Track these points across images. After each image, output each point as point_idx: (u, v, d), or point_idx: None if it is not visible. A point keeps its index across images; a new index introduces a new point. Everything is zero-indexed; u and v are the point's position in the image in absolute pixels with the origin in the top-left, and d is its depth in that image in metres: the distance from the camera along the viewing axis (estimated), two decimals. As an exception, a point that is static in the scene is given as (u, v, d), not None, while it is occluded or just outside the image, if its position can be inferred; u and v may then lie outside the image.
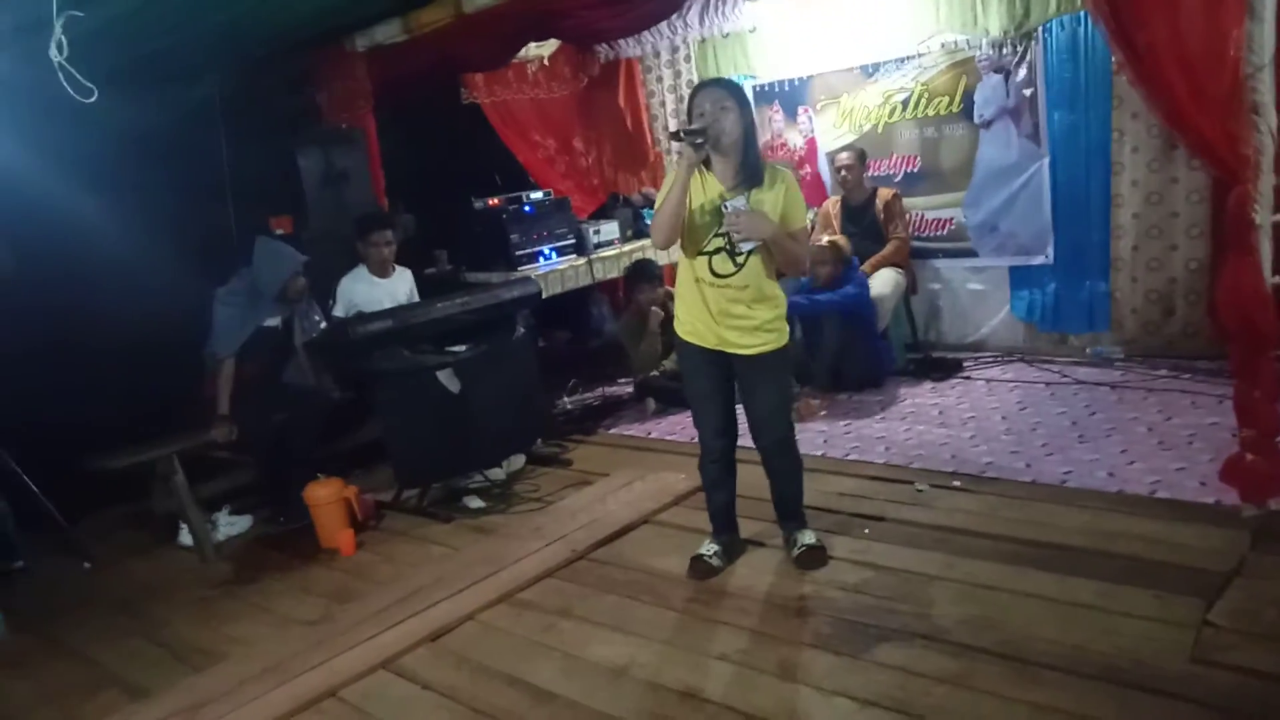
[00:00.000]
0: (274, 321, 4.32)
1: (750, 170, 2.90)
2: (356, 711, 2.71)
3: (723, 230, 2.88)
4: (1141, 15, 2.74)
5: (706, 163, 2.92)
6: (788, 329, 3.10)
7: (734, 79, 6.15)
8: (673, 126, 6.61)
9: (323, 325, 4.47)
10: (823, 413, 4.77)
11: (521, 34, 4.93)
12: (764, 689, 2.52)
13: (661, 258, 5.63)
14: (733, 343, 3.00)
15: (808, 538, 3.22)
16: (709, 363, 3.05)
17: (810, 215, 5.64)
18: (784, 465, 3.21)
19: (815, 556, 3.16)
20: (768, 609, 2.95)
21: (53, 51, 2.81)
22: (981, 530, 3.23)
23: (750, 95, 6.21)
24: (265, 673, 2.96)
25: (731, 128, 2.84)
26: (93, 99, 2.88)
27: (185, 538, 4.20)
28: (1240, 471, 2.97)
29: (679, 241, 2.99)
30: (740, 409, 3.18)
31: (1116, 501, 3.31)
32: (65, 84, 2.89)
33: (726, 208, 2.81)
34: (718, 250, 2.93)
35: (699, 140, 2.79)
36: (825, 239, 5.19)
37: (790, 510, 3.28)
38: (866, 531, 3.37)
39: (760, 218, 2.83)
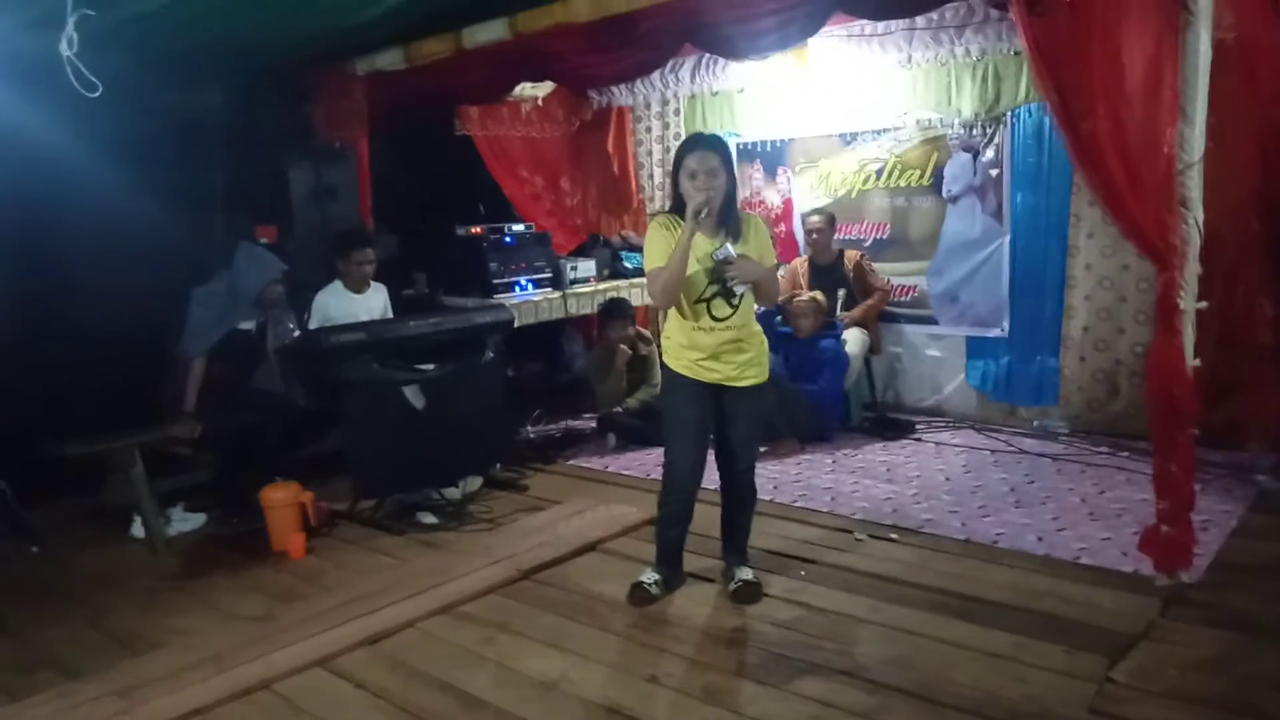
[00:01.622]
0: (248, 325, 4.41)
1: (733, 225, 3.11)
2: (288, 704, 2.77)
3: (717, 280, 3.06)
4: (1087, 104, 2.95)
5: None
6: (769, 367, 3.28)
7: (719, 135, 6.49)
8: (658, 177, 6.85)
9: (296, 333, 4.56)
10: (793, 453, 4.98)
11: (516, 72, 5.12)
12: (688, 711, 2.62)
13: (635, 297, 5.79)
14: (730, 376, 3.17)
15: (746, 573, 3.34)
16: (700, 396, 3.19)
17: (780, 272, 5.89)
18: (748, 494, 3.37)
19: (751, 592, 3.27)
20: (700, 638, 3.05)
21: (63, 46, 2.95)
22: (911, 580, 3.36)
23: (734, 152, 6.48)
24: (203, 662, 3.01)
25: (721, 188, 3.02)
26: (97, 94, 3.01)
27: (137, 530, 4.23)
28: (1155, 542, 3.12)
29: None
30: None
31: (1042, 563, 3.45)
32: (72, 78, 3.02)
33: (718, 257, 3.01)
34: (714, 297, 3.11)
35: (702, 209, 2.97)
36: (807, 295, 5.38)
37: (738, 543, 3.41)
38: (803, 573, 3.49)
39: (752, 262, 3.05)
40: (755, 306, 3.24)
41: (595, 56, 4.52)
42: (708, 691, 2.71)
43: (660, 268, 3.07)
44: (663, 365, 3.34)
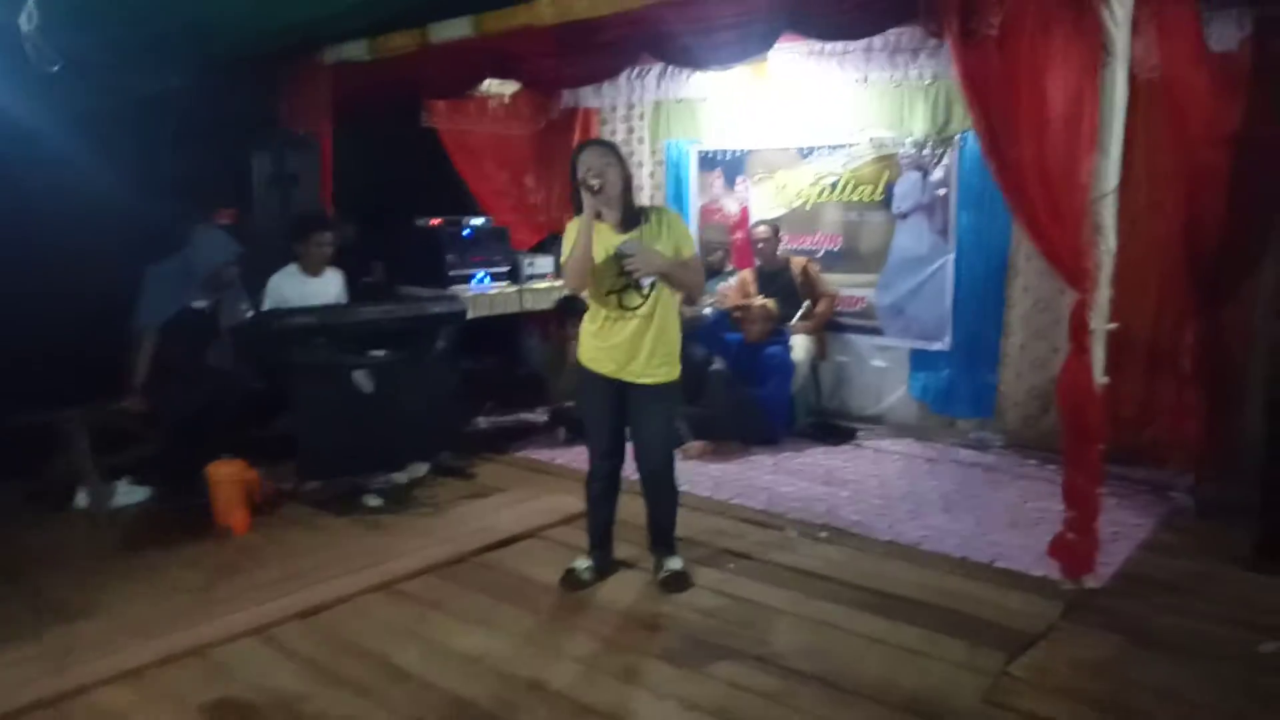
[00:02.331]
0: (201, 304, 4.47)
1: (631, 215, 3.27)
2: (218, 669, 2.86)
3: (625, 270, 3.18)
4: (1012, 135, 3.13)
5: (598, 214, 3.22)
6: (679, 367, 3.38)
7: (680, 142, 6.65)
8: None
9: (249, 314, 4.62)
10: (707, 455, 5.09)
11: (480, 69, 5.22)
12: (603, 687, 2.74)
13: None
14: (633, 372, 3.27)
15: (674, 564, 3.47)
16: (606, 389, 3.32)
17: (732, 280, 6.05)
18: (661, 493, 3.47)
19: (678, 581, 3.40)
20: (624, 621, 3.17)
21: (22, 20, 3.00)
22: (834, 576, 3.51)
23: (695, 159, 6.64)
24: (138, 628, 3.08)
25: (615, 179, 3.20)
26: (56, 68, 3.07)
27: (81, 500, 4.27)
28: (1063, 549, 3.30)
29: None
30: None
31: (958, 565, 3.62)
32: (30, 53, 3.07)
33: (622, 249, 3.14)
34: (625, 288, 3.24)
35: (596, 187, 3.14)
36: (759, 301, 5.52)
37: (662, 537, 3.52)
38: (731, 566, 3.62)
39: (652, 253, 3.17)
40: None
41: (556, 60, 4.64)
42: (625, 671, 2.83)
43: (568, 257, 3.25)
44: (574, 359, 3.48)
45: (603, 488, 3.46)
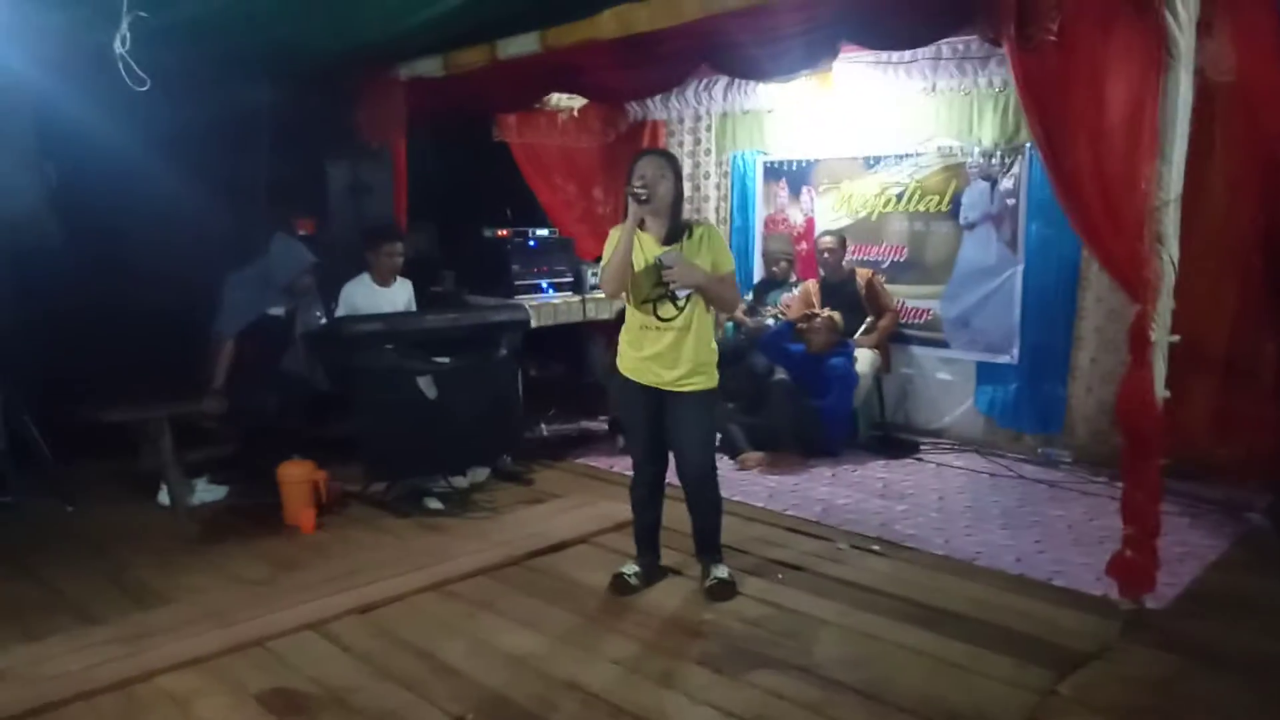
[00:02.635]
0: (278, 311, 4.68)
1: (676, 228, 3.30)
2: (277, 659, 2.99)
3: (663, 281, 3.23)
4: (1070, 141, 3.07)
5: (642, 224, 3.28)
6: (717, 375, 3.40)
7: (746, 152, 6.67)
8: (687, 190, 6.99)
9: (322, 321, 4.81)
10: (764, 466, 5.09)
11: (545, 83, 5.35)
12: (641, 690, 2.77)
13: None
14: (668, 380, 3.31)
15: (721, 571, 3.48)
16: (645, 398, 3.36)
17: (796, 290, 6.03)
18: (703, 500, 3.48)
19: (725, 589, 3.41)
20: (668, 627, 3.20)
21: (116, 44, 3.22)
22: (883, 589, 3.47)
23: (761, 170, 6.66)
24: (205, 618, 3.24)
25: (666, 193, 3.23)
26: (146, 88, 3.28)
27: (164, 497, 4.50)
28: (1121, 567, 3.20)
29: (626, 293, 3.33)
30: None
31: (1014, 582, 3.54)
32: (124, 74, 3.29)
33: (662, 260, 3.18)
34: (661, 298, 3.28)
35: (643, 197, 3.17)
36: (825, 313, 5.50)
37: (707, 544, 3.53)
38: (780, 576, 3.62)
39: (692, 266, 3.21)
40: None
41: (618, 72, 4.72)
42: (663, 675, 2.86)
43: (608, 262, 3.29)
44: (614, 368, 3.50)
45: (645, 494, 3.50)
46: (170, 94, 4.29)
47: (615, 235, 3.29)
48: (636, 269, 3.25)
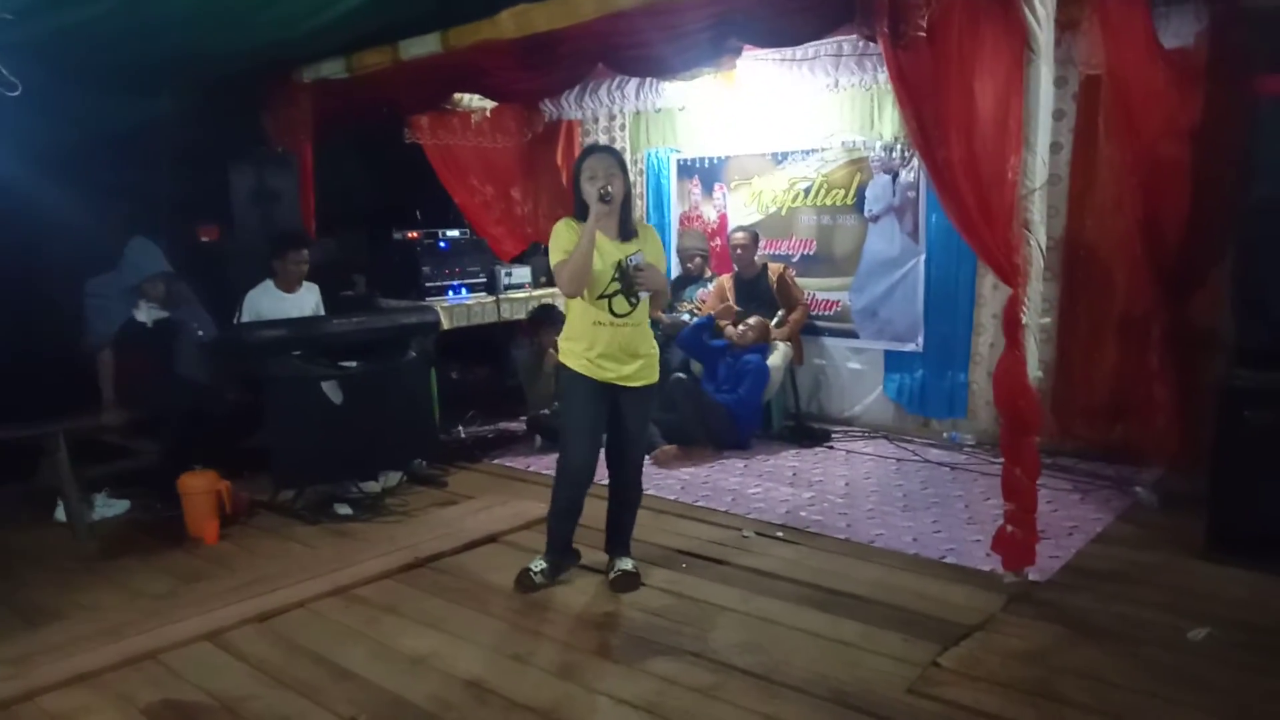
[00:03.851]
0: (143, 318, 4.58)
1: (628, 226, 3.37)
2: (169, 672, 2.95)
3: (626, 284, 3.28)
4: (942, 133, 3.17)
5: None
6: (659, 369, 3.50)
7: (659, 150, 6.73)
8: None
9: (200, 332, 4.72)
10: (677, 459, 5.17)
11: (449, 84, 5.34)
12: (540, 685, 2.80)
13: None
14: (626, 376, 3.35)
15: (626, 564, 3.53)
16: (600, 396, 3.37)
17: (710, 286, 6.11)
18: (634, 495, 3.58)
19: (629, 581, 3.46)
20: (571, 621, 3.24)
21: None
22: (784, 574, 3.55)
23: (675, 168, 6.73)
24: (98, 634, 3.18)
25: (618, 190, 3.27)
26: (16, 93, 3.19)
27: (60, 514, 4.39)
28: (1003, 542, 3.33)
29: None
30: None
31: (909, 562, 3.65)
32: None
33: (630, 263, 3.26)
34: (615, 294, 3.31)
35: (609, 198, 3.21)
36: (754, 319, 5.60)
37: (623, 539, 3.59)
38: (684, 566, 3.68)
39: (658, 272, 3.33)
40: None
41: (519, 73, 4.74)
42: (565, 669, 2.89)
43: (565, 260, 3.25)
44: (561, 365, 3.48)
45: (573, 500, 3.47)
46: (71, 100, 4.20)
47: (563, 233, 3.30)
48: (596, 268, 3.25)
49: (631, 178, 6.85)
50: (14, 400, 4.50)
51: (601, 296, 3.31)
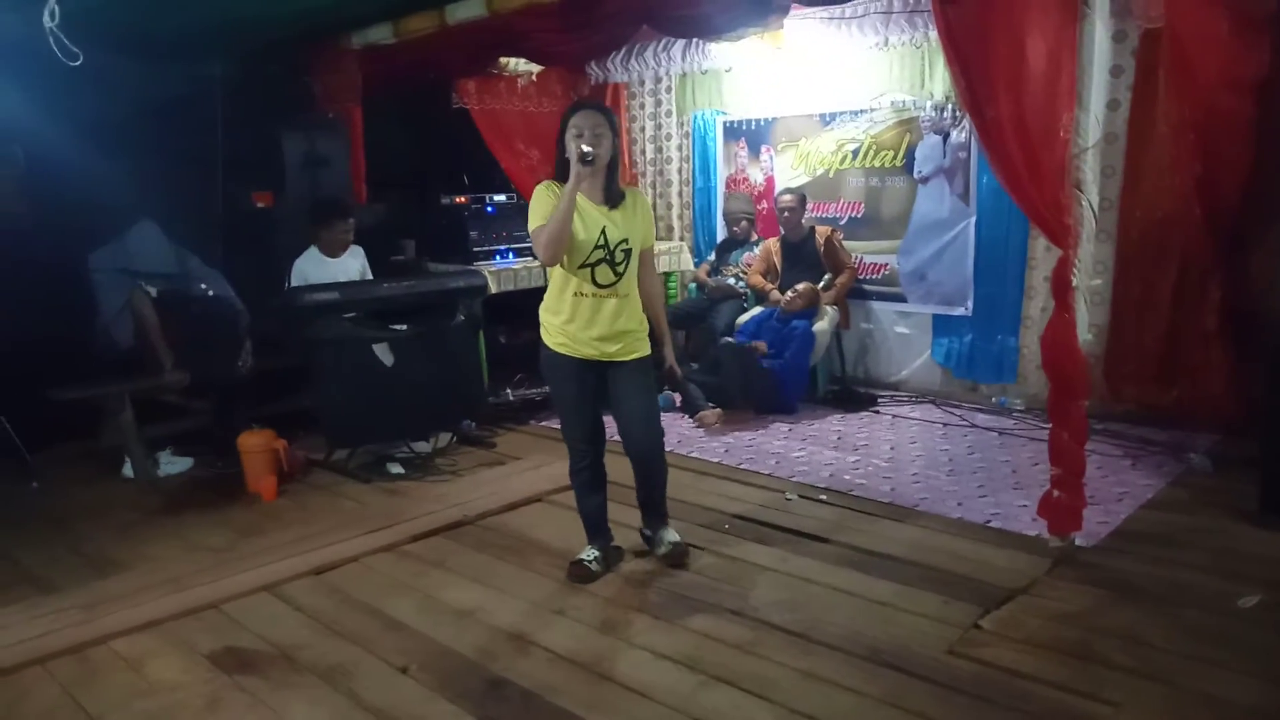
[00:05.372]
0: (150, 289, 4.69)
1: (614, 190, 3.13)
2: (230, 621, 3.08)
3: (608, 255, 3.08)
4: (991, 91, 3.10)
5: None
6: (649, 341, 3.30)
7: (705, 112, 6.68)
8: (649, 153, 7.03)
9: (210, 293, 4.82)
10: (720, 423, 5.18)
11: (495, 48, 5.37)
12: (582, 638, 2.87)
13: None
14: (609, 352, 3.15)
15: (673, 535, 3.41)
16: (581, 372, 3.17)
17: (756, 249, 6.09)
18: (656, 467, 3.33)
19: (680, 554, 3.35)
20: (613, 578, 3.30)
21: (45, 18, 3.22)
22: (825, 535, 3.57)
23: (721, 130, 6.67)
24: (163, 584, 3.33)
25: (606, 151, 3.02)
26: (78, 63, 3.29)
27: (128, 470, 4.58)
28: (1049, 506, 3.30)
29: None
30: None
31: (952, 525, 3.64)
32: (55, 48, 3.30)
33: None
34: (599, 261, 3.08)
35: (591, 159, 2.98)
36: (803, 286, 5.53)
37: (656, 510, 3.43)
38: (726, 527, 3.72)
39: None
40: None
41: (561, 35, 4.74)
42: (605, 623, 2.96)
43: (543, 225, 3.01)
44: (540, 343, 3.26)
45: (589, 477, 3.32)
46: (124, 69, 4.31)
47: (543, 196, 3.08)
48: (580, 238, 3.04)
49: (678, 141, 6.95)
50: (81, 365, 4.71)
51: (584, 265, 3.06)
